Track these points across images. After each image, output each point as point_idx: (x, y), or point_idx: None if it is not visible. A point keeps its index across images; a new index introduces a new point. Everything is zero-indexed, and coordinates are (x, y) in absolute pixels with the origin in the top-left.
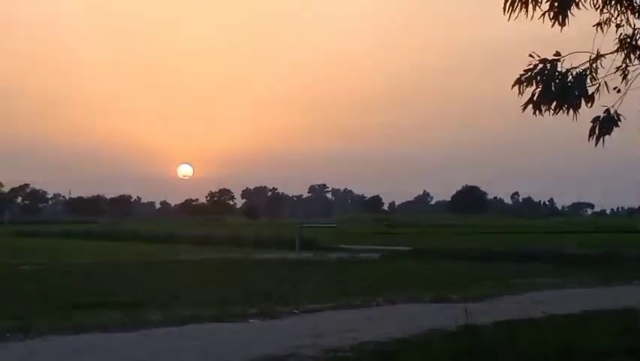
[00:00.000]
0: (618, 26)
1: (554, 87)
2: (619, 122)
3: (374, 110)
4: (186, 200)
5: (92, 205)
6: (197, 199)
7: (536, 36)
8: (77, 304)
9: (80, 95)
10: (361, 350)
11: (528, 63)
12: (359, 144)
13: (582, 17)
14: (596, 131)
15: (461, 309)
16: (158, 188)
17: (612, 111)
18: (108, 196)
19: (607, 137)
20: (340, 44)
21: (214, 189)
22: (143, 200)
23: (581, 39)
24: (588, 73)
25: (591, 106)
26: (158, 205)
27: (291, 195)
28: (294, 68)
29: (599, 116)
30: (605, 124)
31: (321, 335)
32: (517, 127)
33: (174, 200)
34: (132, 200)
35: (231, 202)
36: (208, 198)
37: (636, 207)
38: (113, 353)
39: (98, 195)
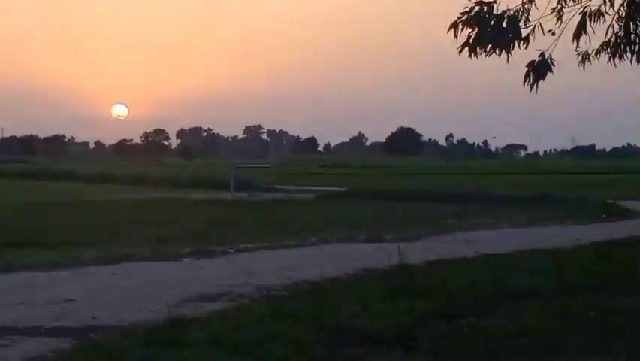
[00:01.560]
0: None
1: (489, 29)
2: (553, 67)
3: (308, 50)
4: (121, 140)
5: (25, 145)
6: (132, 140)
7: None
8: (9, 242)
9: (10, 34)
10: (295, 288)
11: (464, 6)
12: (295, 85)
13: None
14: (531, 76)
15: (395, 249)
16: (92, 128)
17: (547, 55)
18: (41, 136)
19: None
20: None
21: (149, 130)
22: (77, 140)
23: None
24: (522, 14)
25: (526, 48)
26: (92, 145)
27: (226, 135)
28: (223, 10)
29: (533, 61)
30: (540, 69)
31: (255, 273)
32: (453, 70)
33: (108, 140)
34: (66, 140)
35: (166, 143)
36: (143, 138)
37: (568, 149)
38: (44, 290)
39: (31, 135)
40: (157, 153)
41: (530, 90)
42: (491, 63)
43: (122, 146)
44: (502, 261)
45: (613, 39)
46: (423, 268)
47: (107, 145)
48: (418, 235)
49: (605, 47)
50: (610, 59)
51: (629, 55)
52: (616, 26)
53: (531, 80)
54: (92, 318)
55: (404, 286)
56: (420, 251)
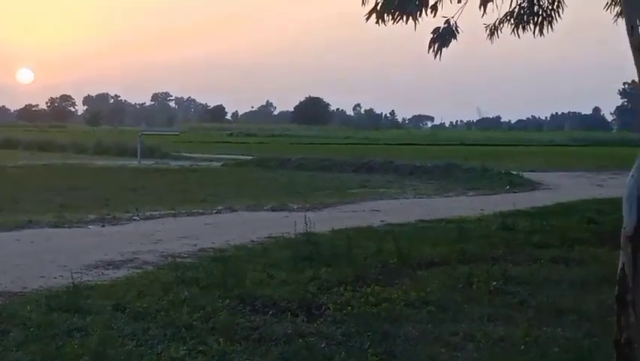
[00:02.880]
0: None
1: None
2: (457, 34)
3: (216, 15)
4: (26, 105)
5: None
6: (38, 105)
7: None
8: None
9: None
10: (200, 255)
11: None
12: (203, 53)
13: None
14: (436, 43)
15: (301, 217)
16: None
17: (452, 22)
18: None
19: (447, 50)
20: None
21: (55, 95)
22: None
23: None
24: None
25: (434, 16)
26: None
27: (133, 102)
28: None
29: (438, 28)
30: (444, 36)
31: (161, 240)
32: (359, 38)
33: (13, 105)
34: None
35: (72, 109)
36: (48, 104)
37: (474, 120)
38: None
39: None
40: (63, 119)
41: (435, 57)
42: (399, 30)
43: (27, 111)
44: (407, 230)
45: (517, 10)
46: (329, 237)
47: (11, 110)
48: (324, 204)
49: (508, 18)
50: (513, 29)
51: (532, 26)
52: None
53: (435, 47)
54: None
55: (309, 254)
56: (326, 220)
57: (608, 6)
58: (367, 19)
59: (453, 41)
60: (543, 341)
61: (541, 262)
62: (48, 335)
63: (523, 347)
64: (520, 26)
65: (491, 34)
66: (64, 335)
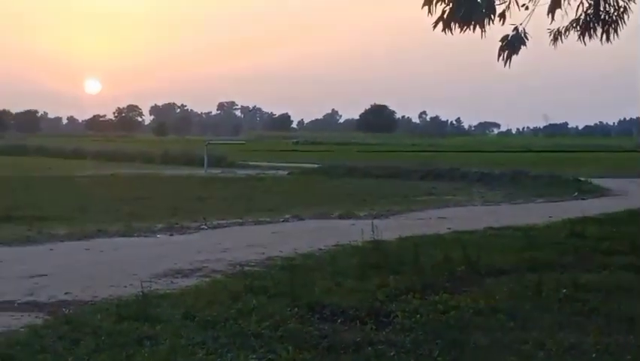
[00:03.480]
0: None
1: (463, 4)
2: (526, 42)
3: (283, 25)
4: (94, 116)
5: None
6: (105, 115)
7: None
8: None
9: None
10: (268, 264)
11: None
12: (268, 62)
13: None
14: (505, 51)
15: (368, 225)
16: (65, 103)
17: (520, 30)
18: (14, 111)
19: (515, 57)
20: None
21: (122, 105)
22: (50, 115)
23: None
24: None
25: (503, 24)
26: (65, 121)
27: (199, 112)
28: None
29: (507, 35)
30: (513, 43)
31: (229, 249)
32: (425, 45)
33: (81, 116)
34: (39, 115)
35: (139, 119)
36: (116, 114)
37: (541, 127)
38: (17, 265)
39: (3, 110)
40: (130, 129)
41: (505, 65)
42: (465, 38)
43: (95, 122)
44: (474, 238)
45: (582, 17)
46: (396, 245)
47: (80, 120)
48: (391, 212)
49: (574, 25)
50: (579, 36)
51: (599, 32)
52: (585, 4)
53: (505, 55)
54: (65, 293)
55: (377, 262)
56: (393, 228)
57: None
58: (434, 27)
59: (522, 48)
60: (614, 349)
61: (611, 269)
62: (118, 344)
63: (594, 355)
64: (587, 33)
65: (554, 39)
66: (135, 344)
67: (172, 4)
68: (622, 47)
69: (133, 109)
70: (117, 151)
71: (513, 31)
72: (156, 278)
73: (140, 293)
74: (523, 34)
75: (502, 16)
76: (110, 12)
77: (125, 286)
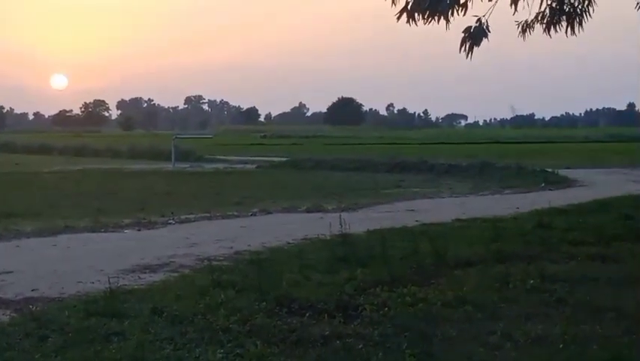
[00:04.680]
0: None
1: None
2: (488, 33)
3: (248, 17)
4: (60, 111)
5: None
6: (72, 110)
7: None
8: None
9: None
10: (236, 258)
11: None
12: (235, 54)
13: None
14: (467, 42)
15: (336, 218)
16: (30, 99)
17: (483, 21)
18: None
19: (479, 49)
20: None
21: (88, 100)
22: (16, 111)
23: None
24: None
25: (464, 14)
26: (31, 116)
27: (167, 106)
28: None
29: (470, 27)
30: (476, 35)
31: (197, 244)
32: (391, 37)
33: (48, 111)
34: (4, 111)
35: (106, 114)
36: (82, 109)
37: (508, 118)
38: None
39: None
40: (97, 124)
41: (467, 57)
42: (430, 30)
43: (62, 117)
44: (442, 230)
45: (547, 11)
46: (364, 238)
47: (46, 116)
48: (359, 205)
49: (539, 18)
50: (545, 29)
51: (564, 24)
52: None
53: (467, 47)
54: (32, 290)
55: (345, 255)
56: (361, 221)
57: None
58: (398, 18)
59: (484, 40)
60: (582, 339)
61: (578, 259)
62: (86, 340)
63: (561, 345)
64: (552, 26)
65: (523, 31)
66: (103, 340)
67: None
68: (589, 36)
69: (100, 104)
70: (84, 146)
71: (476, 22)
72: (124, 274)
73: (108, 289)
74: (486, 26)
75: (465, 6)
76: (76, 5)
77: (93, 282)
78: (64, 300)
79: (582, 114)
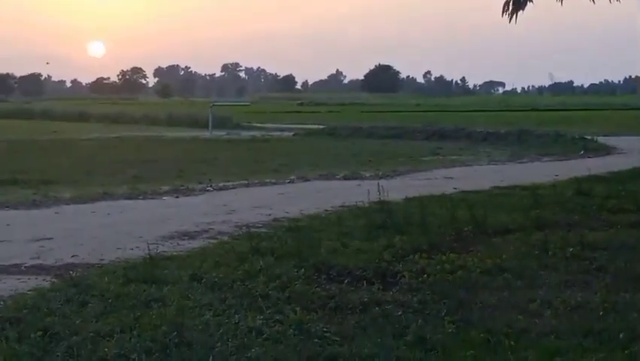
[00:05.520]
0: None
1: None
2: None
3: None
4: (98, 79)
5: (0, 83)
6: (109, 78)
7: None
8: None
9: None
10: (274, 225)
11: None
12: (272, 23)
13: None
14: (510, 7)
15: (374, 186)
16: (69, 66)
17: None
18: (18, 74)
19: (520, 13)
20: None
21: (126, 68)
22: (54, 78)
23: None
24: None
25: None
26: (69, 84)
27: (204, 74)
28: None
29: None
30: None
31: (235, 211)
32: (429, 3)
33: (85, 79)
34: (43, 78)
35: (144, 81)
36: (120, 77)
37: (546, 85)
38: (24, 229)
39: (7, 74)
40: (134, 91)
41: (510, 20)
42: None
43: (99, 84)
44: (481, 197)
45: None
46: (402, 205)
47: (84, 84)
48: (396, 172)
49: None
50: None
51: None
52: None
53: (510, 10)
54: (72, 256)
55: (383, 222)
56: (399, 188)
57: None
58: None
59: (529, 4)
60: (622, 307)
61: (618, 227)
62: (126, 306)
63: (601, 312)
64: None
65: None
66: (142, 306)
67: None
68: (629, 4)
69: (137, 71)
70: (122, 114)
71: None
72: (163, 240)
73: (147, 255)
74: None
75: None
76: None
77: (132, 249)
78: (104, 266)
79: (621, 81)
